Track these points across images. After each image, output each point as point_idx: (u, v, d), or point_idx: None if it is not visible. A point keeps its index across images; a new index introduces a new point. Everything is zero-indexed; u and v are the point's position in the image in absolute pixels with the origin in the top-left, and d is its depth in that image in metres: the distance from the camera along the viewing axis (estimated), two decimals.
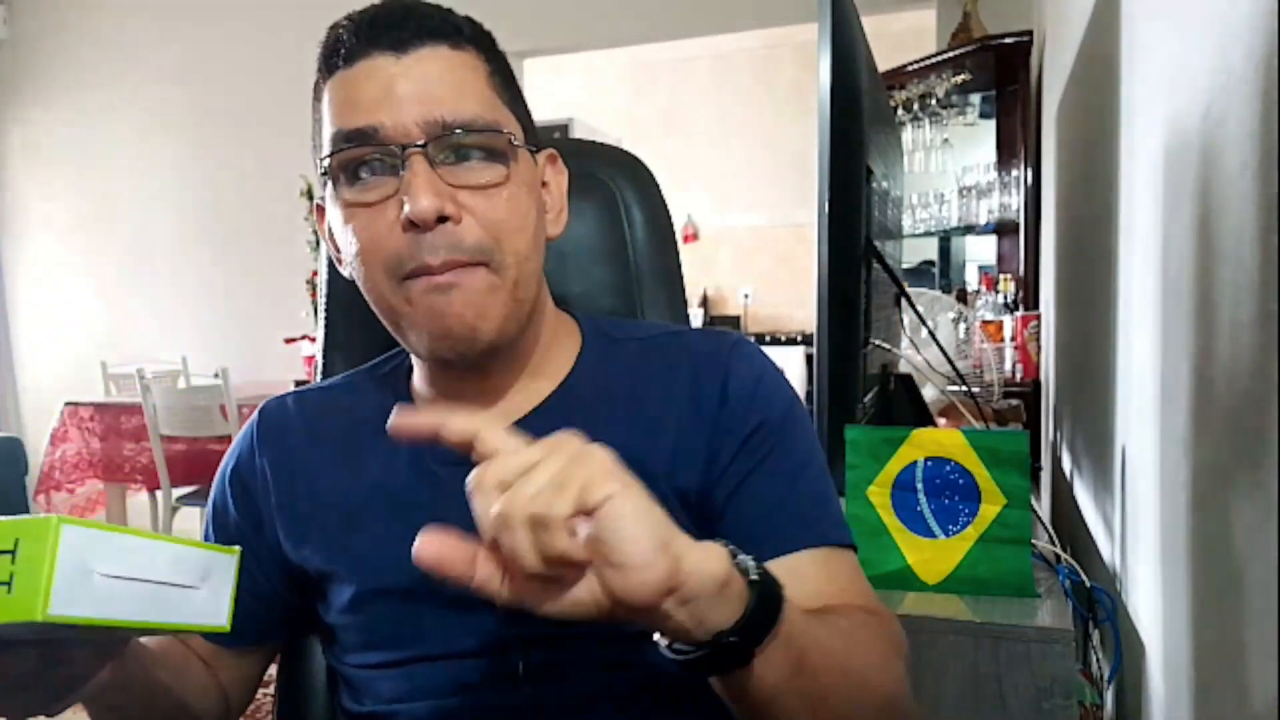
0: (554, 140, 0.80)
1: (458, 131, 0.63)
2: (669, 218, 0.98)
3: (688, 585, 0.45)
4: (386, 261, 0.63)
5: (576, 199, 0.78)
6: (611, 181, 0.95)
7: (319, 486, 0.73)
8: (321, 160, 0.65)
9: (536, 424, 0.71)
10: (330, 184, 0.66)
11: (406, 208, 0.61)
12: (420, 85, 0.63)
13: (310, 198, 4.05)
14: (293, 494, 0.74)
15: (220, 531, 0.77)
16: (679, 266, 0.98)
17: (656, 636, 0.50)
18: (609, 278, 0.94)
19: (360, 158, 0.63)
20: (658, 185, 0.98)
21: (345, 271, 0.69)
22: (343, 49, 0.64)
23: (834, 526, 0.70)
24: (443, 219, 0.62)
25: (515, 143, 0.66)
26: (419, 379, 0.76)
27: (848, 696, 0.56)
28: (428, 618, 0.68)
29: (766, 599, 0.49)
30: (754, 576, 0.49)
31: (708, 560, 0.47)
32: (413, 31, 0.63)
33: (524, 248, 0.66)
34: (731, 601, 0.48)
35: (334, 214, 0.67)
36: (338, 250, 0.69)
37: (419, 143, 0.62)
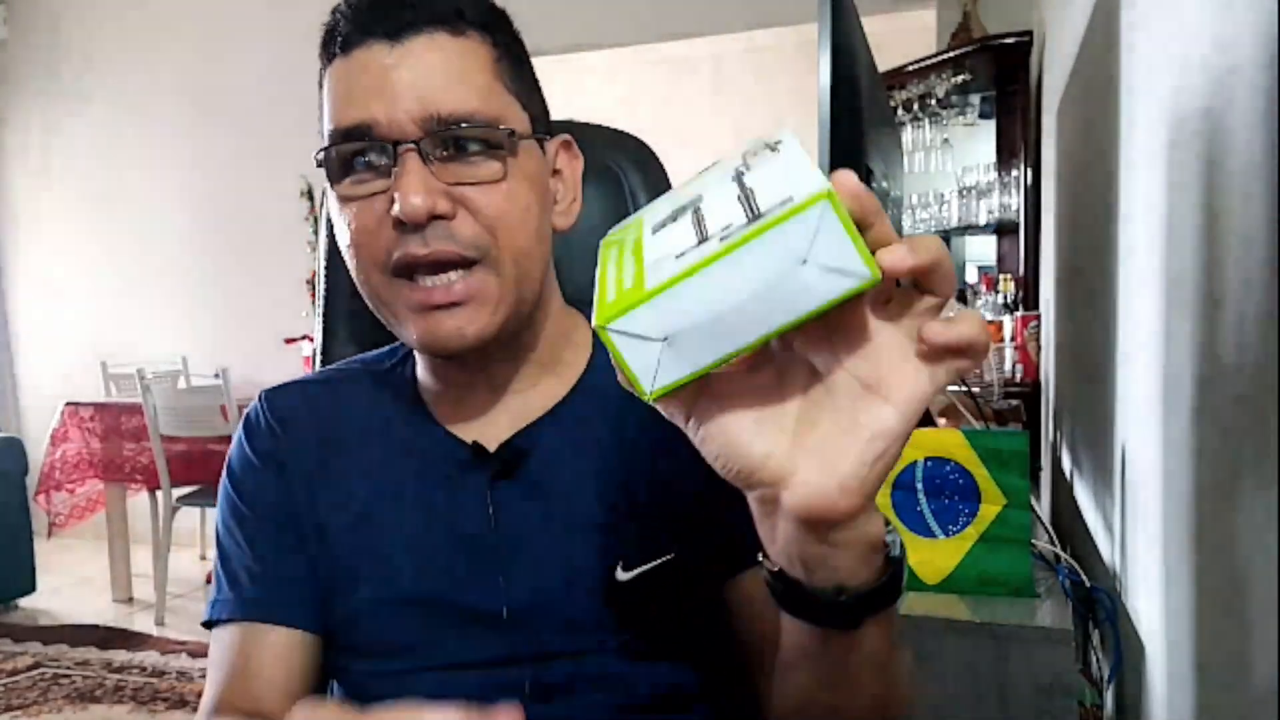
0: (558, 122, 0.77)
1: (455, 126, 0.61)
2: None
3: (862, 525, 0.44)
4: (376, 255, 0.62)
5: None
6: (616, 166, 0.93)
7: (332, 479, 0.71)
8: (317, 154, 0.64)
9: (558, 420, 0.70)
10: (326, 175, 0.64)
11: (396, 206, 0.60)
12: (416, 76, 0.61)
13: (310, 198, 4.05)
14: (323, 470, 0.72)
15: (247, 511, 0.72)
16: None
17: (769, 568, 0.48)
18: None
19: (355, 152, 0.62)
20: (664, 169, 0.96)
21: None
22: (339, 36, 0.62)
23: None
24: (436, 217, 0.61)
25: (517, 135, 0.64)
26: (423, 371, 0.74)
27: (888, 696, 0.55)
28: (438, 627, 0.67)
29: (895, 578, 0.48)
30: (894, 554, 0.48)
31: (877, 519, 0.45)
32: (410, 17, 0.61)
33: (524, 243, 0.64)
34: (873, 566, 0.46)
35: (331, 204, 0.66)
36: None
37: (412, 139, 0.60)
